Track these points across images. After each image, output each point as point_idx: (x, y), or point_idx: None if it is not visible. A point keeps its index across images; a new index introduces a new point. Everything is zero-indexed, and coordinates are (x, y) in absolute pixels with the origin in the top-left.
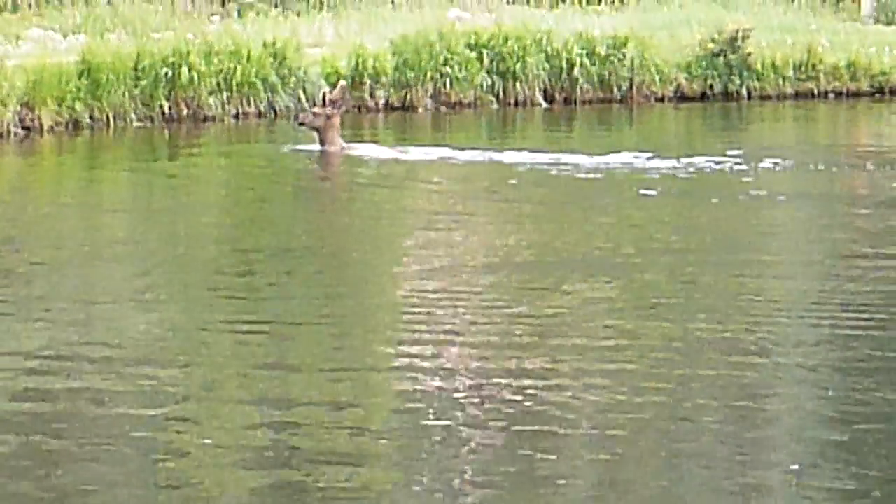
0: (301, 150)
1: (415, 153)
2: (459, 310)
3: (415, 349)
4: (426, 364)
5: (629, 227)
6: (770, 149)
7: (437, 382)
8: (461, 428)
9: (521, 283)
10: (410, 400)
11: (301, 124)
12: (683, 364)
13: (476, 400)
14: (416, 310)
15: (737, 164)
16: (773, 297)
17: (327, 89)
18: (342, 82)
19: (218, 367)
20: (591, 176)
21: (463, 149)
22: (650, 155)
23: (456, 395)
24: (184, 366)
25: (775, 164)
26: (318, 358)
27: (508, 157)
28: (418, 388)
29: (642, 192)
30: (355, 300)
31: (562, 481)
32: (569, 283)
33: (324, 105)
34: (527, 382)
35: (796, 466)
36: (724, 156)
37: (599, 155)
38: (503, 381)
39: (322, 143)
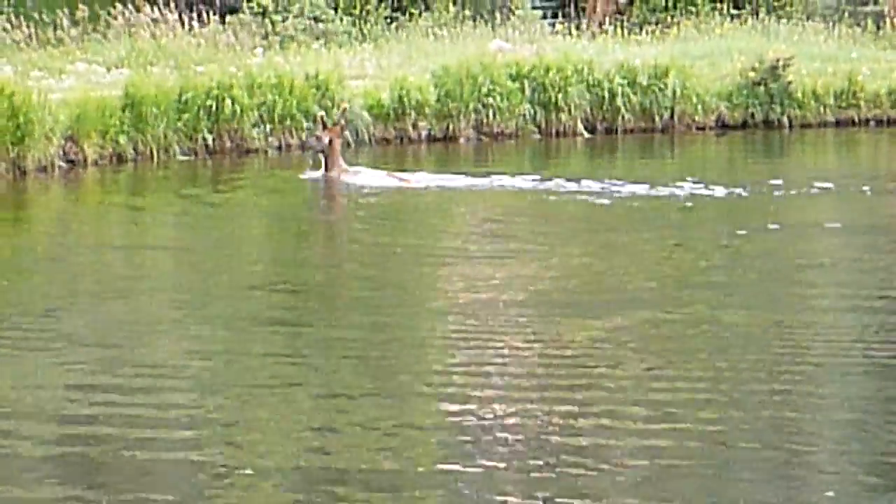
0: (310, 178)
1: (418, 179)
2: (497, 346)
3: (455, 383)
4: (466, 398)
5: (669, 258)
6: (812, 177)
7: (476, 418)
8: (503, 470)
9: (557, 319)
10: (450, 433)
11: (307, 148)
12: (724, 405)
13: (518, 441)
14: (455, 344)
15: (778, 192)
16: (814, 333)
17: (323, 113)
18: (344, 104)
19: (257, 396)
20: (630, 204)
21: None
22: (691, 183)
23: (497, 433)
24: (223, 392)
25: (817, 191)
26: (357, 385)
27: (513, 183)
28: (458, 420)
29: (682, 217)
30: (394, 334)
31: None
32: (605, 319)
33: (324, 128)
34: (567, 421)
35: None
36: (766, 184)
37: (635, 183)
38: (543, 420)
39: (326, 167)
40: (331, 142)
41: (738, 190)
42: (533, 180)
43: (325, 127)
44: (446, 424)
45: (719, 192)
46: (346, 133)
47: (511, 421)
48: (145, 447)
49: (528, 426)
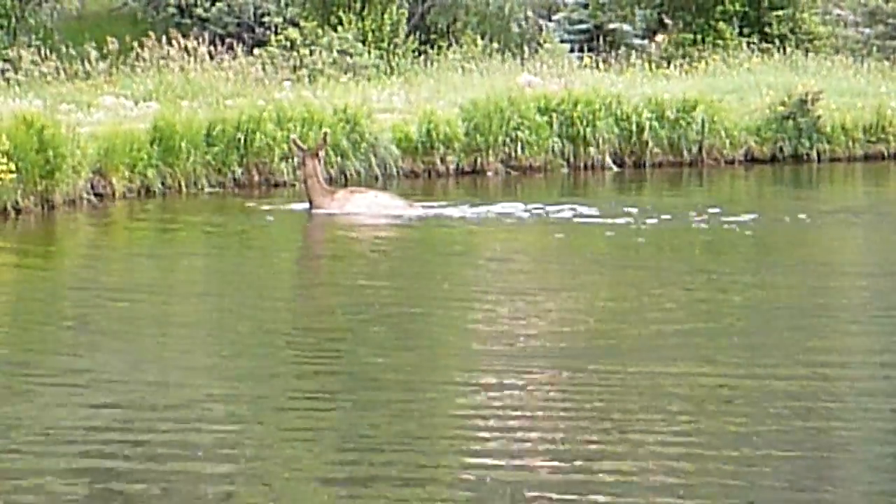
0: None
1: (419, 209)
2: (520, 392)
3: (483, 432)
4: (494, 446)
5: (698, 301)
6: (840, 210)
7: (505, 464)
8: None
9: (580, 365)
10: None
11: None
12: (755, 465)
13: (550, 487)
14: (478, 389)
15: (804, 226)
16: (843, 387)
17: (295, 136)
18: (325, 130)
19: (285, 438)
20: (657, 237)
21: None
22: (718, 215)
23: (527, 480)
24: (249, 433)
25: (845, 225)
26: (387, 427)
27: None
28: (485, 472)
29: (709, 252)
30: (428, 376)
31: None
32: (630, 367)
33: (300, 150)
34: (594, 466)
35: None
36: (794, 217)
37: (661, 214)
38: (576, 463)
39: (309, 196)
40: (304, 161)
41: (764, 222)
42: (543, 209)
43: (299, 149)
44: (471, 469)
45: (746, 225)
46: (322, 155)
47: (538, 466)
48: (171, 484)
49: (564, 480)
